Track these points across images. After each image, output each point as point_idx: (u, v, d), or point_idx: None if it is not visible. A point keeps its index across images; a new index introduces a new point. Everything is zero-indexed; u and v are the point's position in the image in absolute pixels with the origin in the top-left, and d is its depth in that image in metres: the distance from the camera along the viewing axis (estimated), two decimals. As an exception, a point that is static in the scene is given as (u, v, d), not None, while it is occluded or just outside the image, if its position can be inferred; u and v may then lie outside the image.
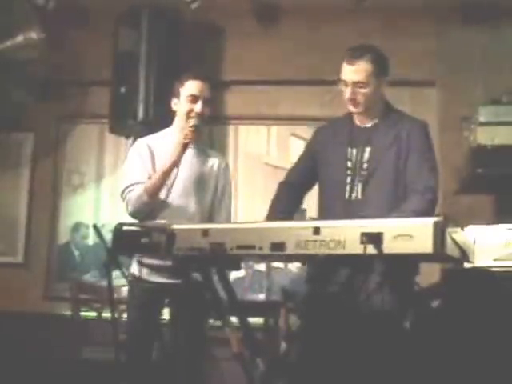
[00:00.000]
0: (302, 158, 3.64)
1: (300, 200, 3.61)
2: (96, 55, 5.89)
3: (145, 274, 3.55)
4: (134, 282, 3.59)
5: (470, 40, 5.60)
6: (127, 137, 5.52)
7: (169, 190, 3.58)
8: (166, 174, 3.53)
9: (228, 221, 3.73)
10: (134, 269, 3.62)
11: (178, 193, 3.61)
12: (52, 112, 6.01)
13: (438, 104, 5.62)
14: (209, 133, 5.64)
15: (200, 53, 5.78)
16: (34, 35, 5.44)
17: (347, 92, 3.36)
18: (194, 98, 3.62)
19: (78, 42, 5.99)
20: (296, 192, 3.58)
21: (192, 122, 3.58)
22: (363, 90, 3.33)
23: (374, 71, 3.33)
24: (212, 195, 3.72)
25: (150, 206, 3.55)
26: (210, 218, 3.69)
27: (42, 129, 6.07)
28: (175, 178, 3.57)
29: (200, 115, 3.61)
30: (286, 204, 3.52)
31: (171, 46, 5.50)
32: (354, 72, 3.33)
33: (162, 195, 3.59)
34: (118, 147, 5.90)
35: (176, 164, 3.53)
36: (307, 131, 5.52)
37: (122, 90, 5.42)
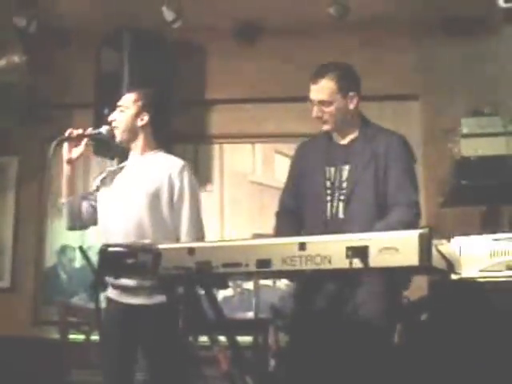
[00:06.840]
0: (289, 180, 3.57)
1: (301, 222, 3.43)
2: (79, 77, 5.91)
3: (115, 295, 3.47)
4: (107, 303, 3.50)
5: (452, 53, 5.65)
6: (112, 158, 5.50)
7: (108, 201, 3.63)
8: (63, 173, 3.76)
9: (193, 231, 3.42)
10: (108, 290, 3.51)
11: (120, 205, 3.55)
12: (36, 135, 5.99)
13: (422, 117, 5.66)
14: (194, 152, 5.64)
15: (183, 73, 5.79)
16: (16, 59, 5.45)
17: (314, 111, 3.35)
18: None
19: (61, 64, 6.00)
20: (294, 215, 3.46)
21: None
22: (328, 109, 3.31)
23: (339, 89, 3.31)
24: (167, 206, 3.45)
25: (71, 210, 3.79)
26: (176, 232, 3.46)
27: (26, 152, 6.07)
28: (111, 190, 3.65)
29: (112, 122, 3.71)
30: (287, 229, 3.38)
31: (154, 66, 5.50)
32: (317, 91, 3.33)
33: (105, 209, 3.65)
34: (103, 169, 5.87)
35: (67, 161, 3.74)
36: (292, 148, 5.44)
37: (106, 111, 5.41)
